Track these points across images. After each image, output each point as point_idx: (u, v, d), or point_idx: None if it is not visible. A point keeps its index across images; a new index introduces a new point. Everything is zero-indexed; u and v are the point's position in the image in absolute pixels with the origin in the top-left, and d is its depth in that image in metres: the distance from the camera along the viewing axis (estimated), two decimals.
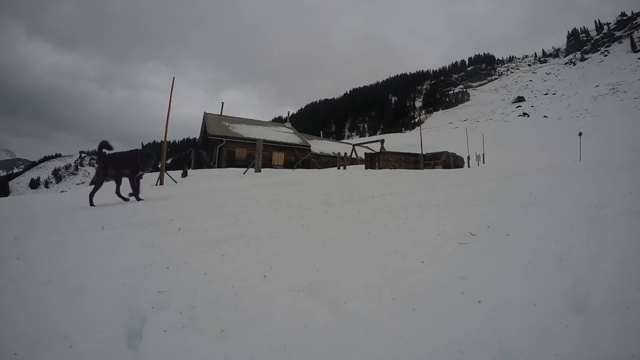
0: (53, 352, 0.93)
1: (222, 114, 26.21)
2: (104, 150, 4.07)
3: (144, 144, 4.65)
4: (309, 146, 25.35)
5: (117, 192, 4.09)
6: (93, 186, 4.21)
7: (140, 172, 4.18)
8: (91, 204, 3.91)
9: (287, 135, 26.08)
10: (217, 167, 20.43)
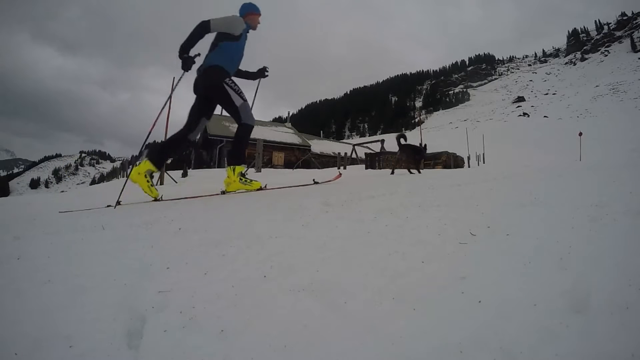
0: (53, 352, 0.93)
1: (222, 114, 26.20)
2: (402, 140, 5.96)
3: (419, 144, 6.29)
4: (309, 146, 25.34)
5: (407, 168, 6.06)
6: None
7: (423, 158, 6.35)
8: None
9: (287, 135, 26.08)
10: (218, 167, 20.43)
